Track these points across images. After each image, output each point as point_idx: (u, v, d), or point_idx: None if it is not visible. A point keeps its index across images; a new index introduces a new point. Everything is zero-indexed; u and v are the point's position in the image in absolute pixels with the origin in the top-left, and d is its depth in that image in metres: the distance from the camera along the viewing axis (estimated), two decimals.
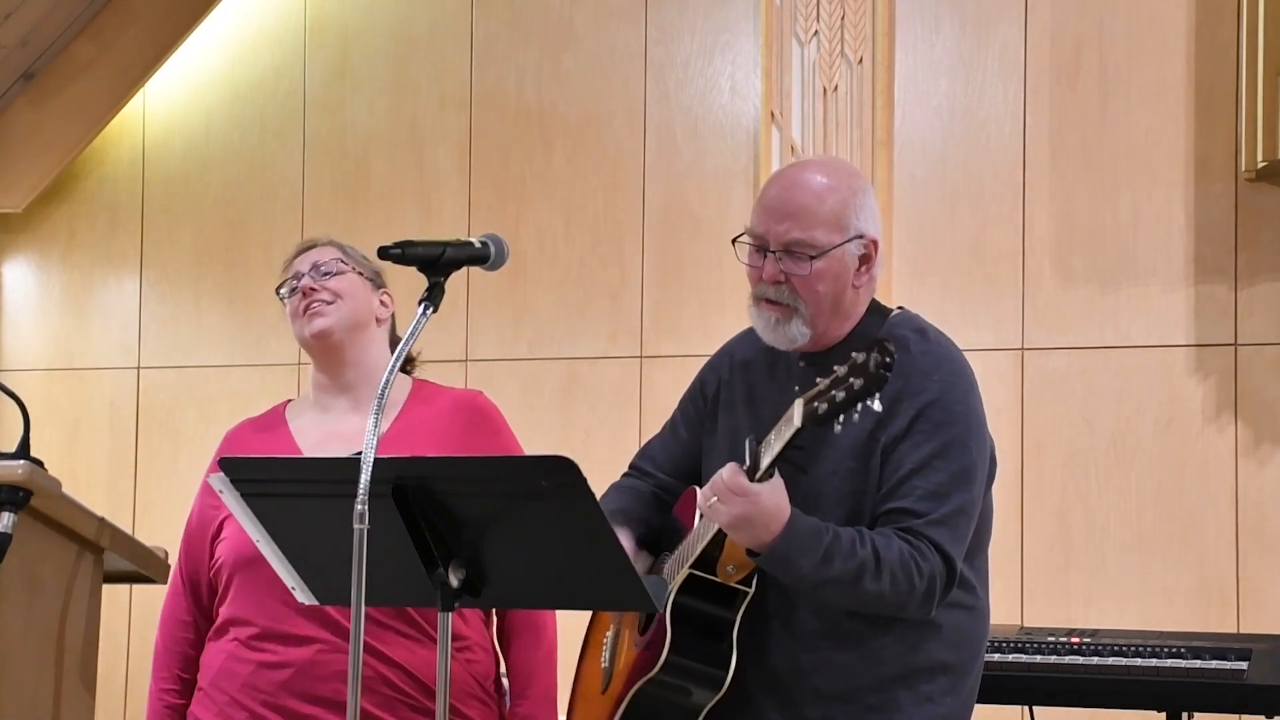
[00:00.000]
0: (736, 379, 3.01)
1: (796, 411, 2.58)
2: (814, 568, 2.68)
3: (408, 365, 3.40)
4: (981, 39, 5.00)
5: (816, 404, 2.55)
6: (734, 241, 2.89)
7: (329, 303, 3.25)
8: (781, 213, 2.83)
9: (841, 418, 2.54)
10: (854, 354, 2.53)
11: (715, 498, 2.69)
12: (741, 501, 2.66)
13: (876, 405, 2.52)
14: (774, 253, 2.82)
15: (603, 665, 3.02)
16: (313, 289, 3.25)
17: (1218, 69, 4.75)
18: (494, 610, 3.26)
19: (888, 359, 2.49)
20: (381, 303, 3.33)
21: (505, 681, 3.30)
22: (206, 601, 3.29)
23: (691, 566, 2.79)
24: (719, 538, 2.77)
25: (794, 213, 2.82)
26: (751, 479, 2.66)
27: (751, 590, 2.79)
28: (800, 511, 2.70)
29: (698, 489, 2.97)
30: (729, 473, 2.68)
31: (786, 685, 2.82)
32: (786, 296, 2.82)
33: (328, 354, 3.29)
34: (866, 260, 2.86)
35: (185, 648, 3.29)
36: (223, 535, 3.24)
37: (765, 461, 2.66)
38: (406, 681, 3.12)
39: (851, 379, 2.52)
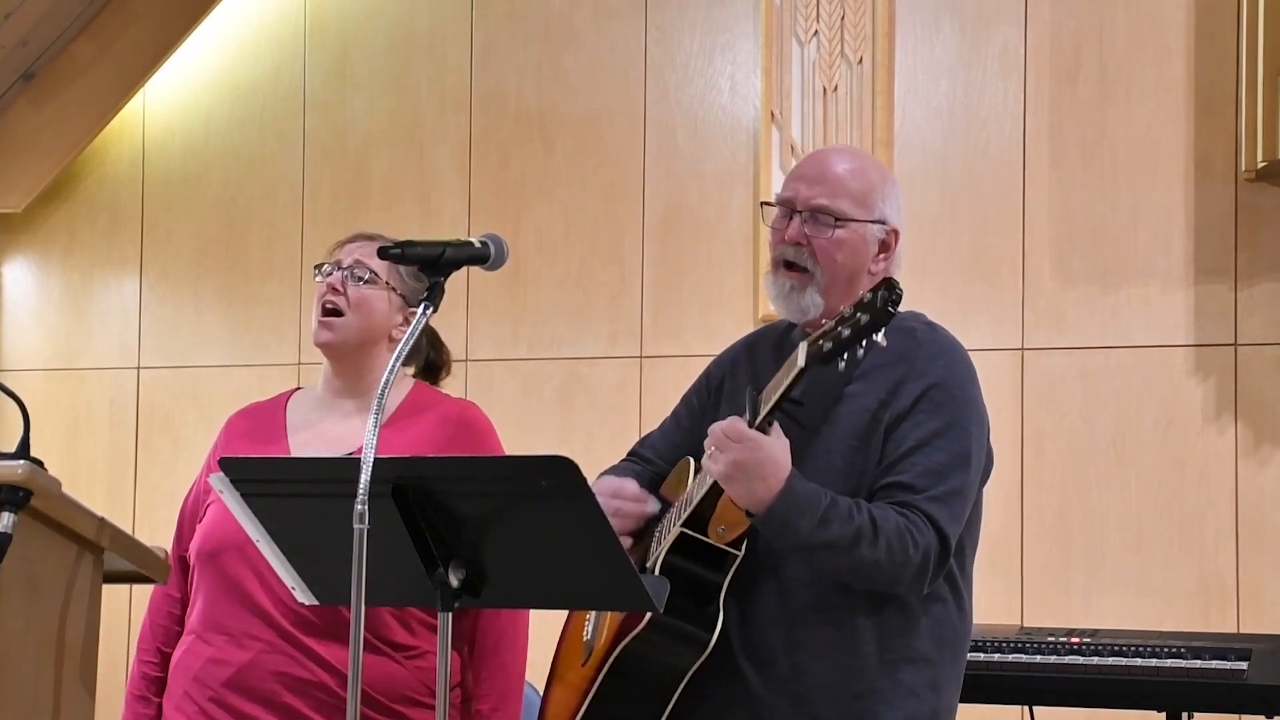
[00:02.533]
0: (741, 366, 3.03)
1: (801, 352, 2.60)
2: (811, 530, 2.68)
3: (432, 374, 3.40)
4: (981, 39, 5.00)
5: (822, 342, 2.57)
6: (763, 204, 3.00)
7: (339, 314, 3.23)
8: (812, 179, 2.92)
9: (845, 355, 2.55)
10: (861, 294, 2.56)
11: (714, 447, 2.69)
12: (739, 447, 2.67)
13: (882, 339, 2.53)
14: (799, 213, 2.89)
15: (585, 639, 3.02)
16: (335, 290, 3.23)
17: (1218, 69, 4.75)
18: (464, 621, 3.23)
19: (895, 295, 2.51)
20: (406, 319, 3.29)
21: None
22: None
23: (683, 525, 2.80)
24: (713, 494, 2.77)
25: (824, 180, 2.90)
26: (751, 425, 2.67)
27: (741, 553, 2.79)
28: (798, 473, 2.70)
29: (691, 460, 2.97)
30: (728, 420, 2.70)
31: (771, 656, 2.82)
32: (805, 259, 2.88)
33: (333, 360, 3.30)
34: (886, 248, 2.92)
35: (170, 623, 3.33)
36: (201, 519, 3.27)
37: (765, 407, 2.67)
38: (343, 686, 3.10)
39: (858, 314, 2.54)
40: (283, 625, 3.13)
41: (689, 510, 2.80)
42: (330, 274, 3.26)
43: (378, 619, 3.11)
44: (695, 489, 2.82)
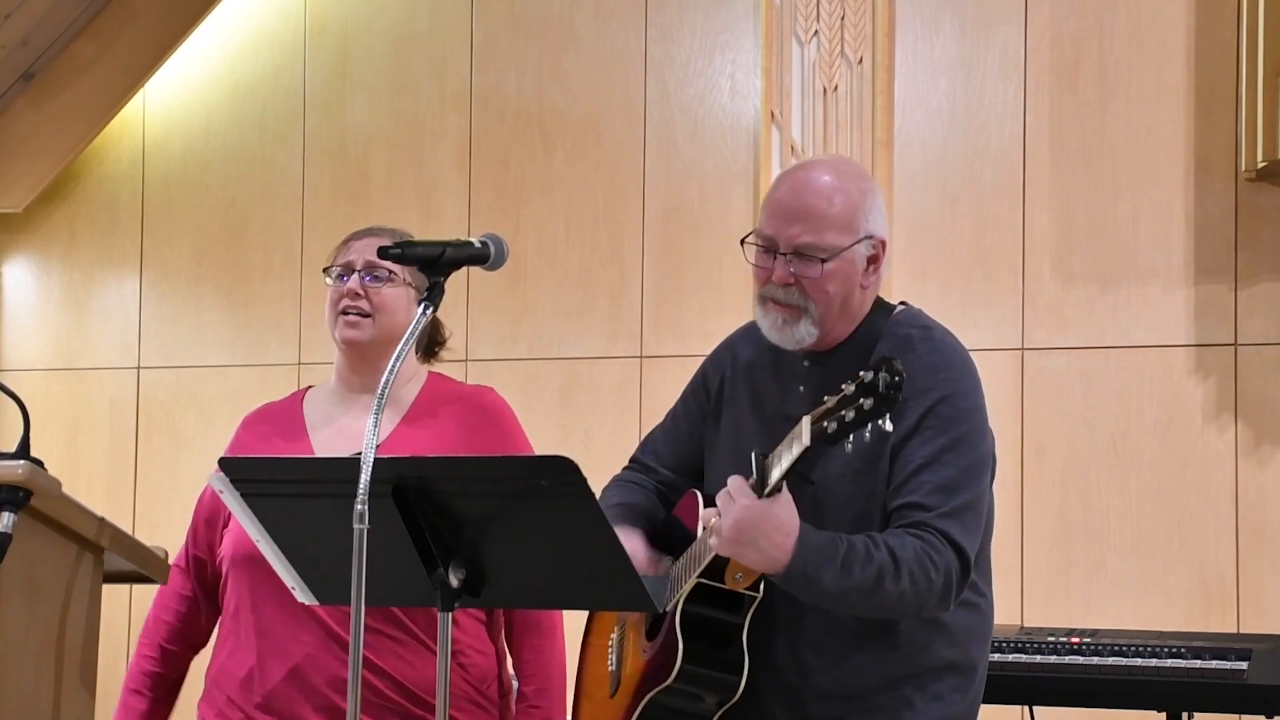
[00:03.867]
0: (740, 377, 2.99)
1: (805, 430, 2.53)
2: (835, 579, 2.64)
3: (433, 351, 3.38)
4: (981, 39, 5.01)
5: (826, 423, 2.51)
6: (742, 242, 2.87)
7: (366, 314, 3.21)
8: (792, 215, 2.80)
9: (851, 437, 2.50)
10: (862, 373, 2.48)
11: (718, 517, 2.65)
12: (745, 510, 2.62)
13: (887, 425, 2.47)
14: (784, 254, 2.80)
15: (610, 669, 3.01)
16: (357, 294, 3.21)
17: (1218, 69, 4.75)
18: (500, 612, 3.26)
19: (897, 378, 2.44)
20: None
21: (515, 683, 3.30)
22: (211, 580, 3.31)
23: (700, 576, 2.76)
24: None
25: (804, 215, 2.79)
26: (760, 494, 2.62)
27: (759, 595, 2.77)
28: (808, 525, 2.66)
29: (698, 493, 2.96)
30: (735, 487, 2.64)
31: (794, 686, 2.81)
32: (796, 298, 2.80)
33: (355, 359, 3.27)
34: (874, 260, 2.85)
35: (175, 620, 3.33)
36: (229, 526, 3.25)
37: (774, 476, 2.62)
38: (392, 688, 3.12)
39: (861, 399, 2.47)
40: (331, 627, 3.12)
41: (705, 562, 2.76)
42: (345, 278, 3.23)
43: (427, 618, 3.11)
44: (707, 539, 2.79)
